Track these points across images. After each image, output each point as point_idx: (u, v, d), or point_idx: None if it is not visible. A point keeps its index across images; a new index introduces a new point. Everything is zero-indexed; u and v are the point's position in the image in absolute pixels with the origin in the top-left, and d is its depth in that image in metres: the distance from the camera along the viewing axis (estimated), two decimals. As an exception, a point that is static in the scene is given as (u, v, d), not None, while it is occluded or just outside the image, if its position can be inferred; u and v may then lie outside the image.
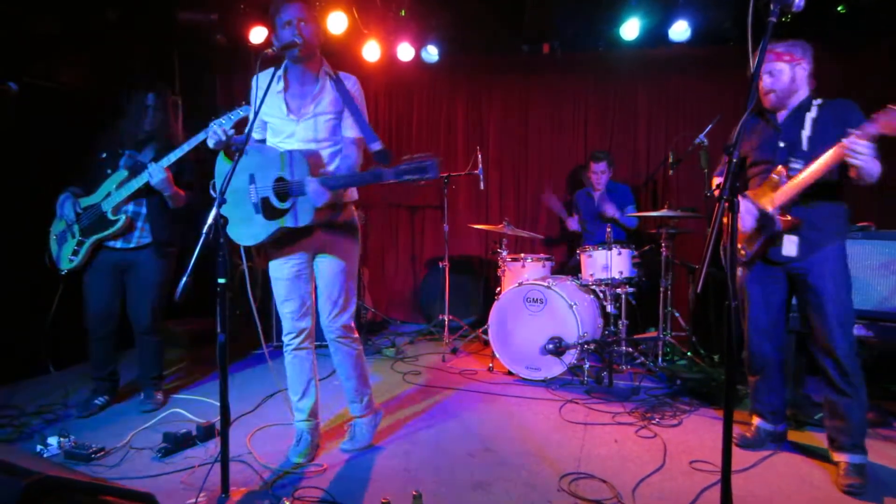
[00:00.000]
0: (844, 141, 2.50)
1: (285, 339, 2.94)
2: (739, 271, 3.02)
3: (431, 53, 5.47)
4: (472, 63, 5.99)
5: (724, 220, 1.89)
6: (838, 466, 2.74)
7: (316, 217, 2.59)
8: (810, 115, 2.79)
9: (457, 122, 6.10)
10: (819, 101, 2.82)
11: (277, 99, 2.74)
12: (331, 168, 2.76)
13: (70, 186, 3.50)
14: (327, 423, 3.37)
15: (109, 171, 3.43)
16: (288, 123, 2.74)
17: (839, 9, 4.55)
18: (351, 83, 2.78)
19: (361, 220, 3.67)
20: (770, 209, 2.79)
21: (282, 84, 2.74)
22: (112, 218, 3.40)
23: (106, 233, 3.41)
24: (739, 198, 2.90)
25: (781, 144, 2.84)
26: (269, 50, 2.44)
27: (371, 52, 5.37)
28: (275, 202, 2.64)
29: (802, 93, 2.86)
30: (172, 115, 3.61)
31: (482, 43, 5.75)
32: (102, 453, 2.91)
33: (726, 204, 1.86)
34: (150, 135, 3.49)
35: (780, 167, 2.78)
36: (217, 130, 2.61)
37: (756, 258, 2.92)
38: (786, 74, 2.83)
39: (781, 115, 2.90)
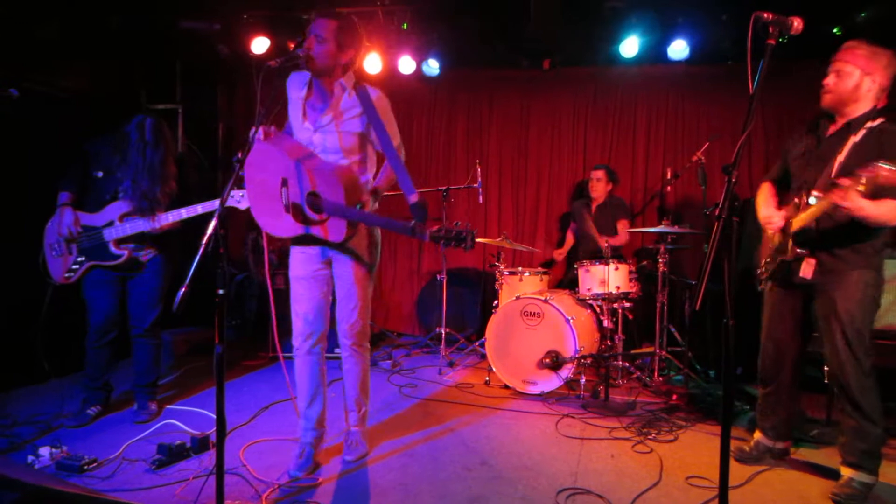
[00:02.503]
0: (833, 190, 2.44)
1: (296, 341, 2.95)
2: (762, 285, 3.01)
3: (432, 67, 5.50)
4: (473, 77, 6.02)
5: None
6: (841, 478, 2.74)
7: (347, 235, 2.63)
8: (854, 139, 2.61)
9: (457, 135, 6.12)
10: (874, 123, 2.62)
11: (297, 105, 2.82)
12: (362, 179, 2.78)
13: (64, 189, 3.45)
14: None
15: (109, 197, 3.43)
16: (304, 131, 2.80)
17: (835, 30, 4.59)
18: (376, 98, 2.79)
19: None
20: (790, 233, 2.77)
21: (305, 91, 2.80)
22: (115, 252, 3.42)
23: (106, 263, 3.44)
24: (775, 208, 2.86)
25: (814, 160, 2.75)
26: (274, 61, 2.45)
27: (372, 64, 5.39)
28: (308, 212, 2.65)
29: (863, 106, 2.65)
30: (167, 146, 3.50)
31: (483, 57, 5.78)
32: (95, 464, 2.88)
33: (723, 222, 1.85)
34: (145, 169, 3.41)
35: (803, 194, 2.72)
36: None
37: (777, 275, 2.91)
38: (852, 80, 2.62)
39: (832, 128, 2.75)
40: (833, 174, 2.63)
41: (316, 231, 2.67)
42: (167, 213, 3.38)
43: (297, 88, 2.84)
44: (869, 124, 2.63)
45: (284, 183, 2.65)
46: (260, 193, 2.79)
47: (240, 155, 2.30)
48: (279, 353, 2.97)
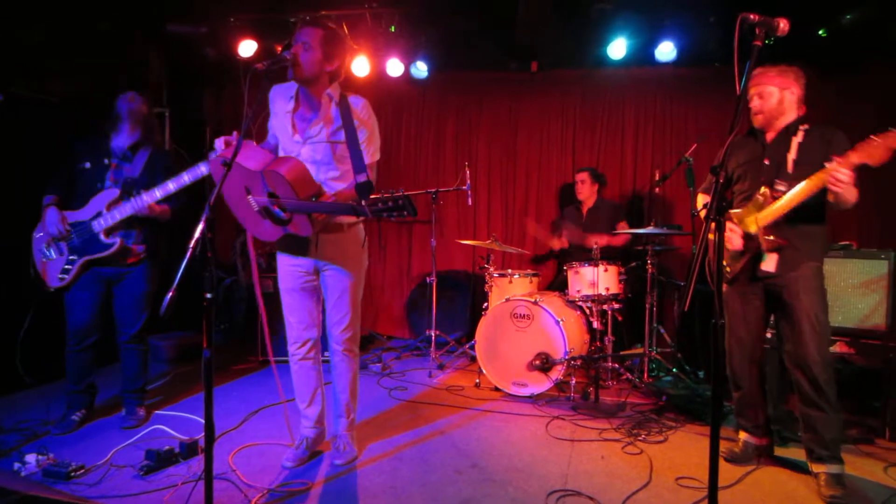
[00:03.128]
0: (828, 167, 2.59)
1: (291, 348, 3.00)
2: (724, 288, 3.07)
3: (421, 69, 5.51)
4: (461, 79, 6.02)
5: (711, 236, 1.91)
6: (818, 478, 2.80)
7: (315, 229, 2.65)
8: (796, 140, 2.88)
9: (446, 137, 6.12)
10: (806, 126, 2.90)
11: (286, 119, 2.80)
12: (328, 188, 2.78)
13: (50, 192, 3.42)
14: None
15: (99, 186, 3.40)
16: (294, 144, 2.79)
17: (820, 32, 4.64)
18: (360, 107, 2.79)
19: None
20: (754, 230, 2.87)
21: (292, 104, 2.79)
22: (105, 241, 3.37)
23: (98, 255, 3.38)
24: (726, 220, 2.96)
25: (766, 162, 2.93)
26: (261, 64, 2.44)
27: (360, 67, 5.39)
28: (276, 212, 2.67)
29: (790, 116, 2.93)
30: (154, 121, 3.61)
31: (471, 60, 5.79)
32: (82, 471, 2.85)
33: (713, 223, 1.87)
34: (138, 134, 3.49)
35: (765, 189, 2.87)
36: None
37: (740, 276, 2.99)
38: (774, 97, 2.91)
39: (770, 136, 2.98)
40: (790, 169, 2.85)
41: (291, 229, 2.67)
42: (153, 189, 3.32)
43: (282, 101, 2.82)
44: (802, 127, 2.90)
45: (248, 191, 2.68)
46: (237, 205, 2.81)
47: (229, 160, 2.28)
48: (270, 357, 2.96)
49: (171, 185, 3.31)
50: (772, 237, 2.83)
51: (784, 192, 2.80)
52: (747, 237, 2.91)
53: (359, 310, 3.01)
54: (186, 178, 3.28)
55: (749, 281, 2.97)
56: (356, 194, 2.61)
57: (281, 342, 3.08)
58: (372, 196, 2.35)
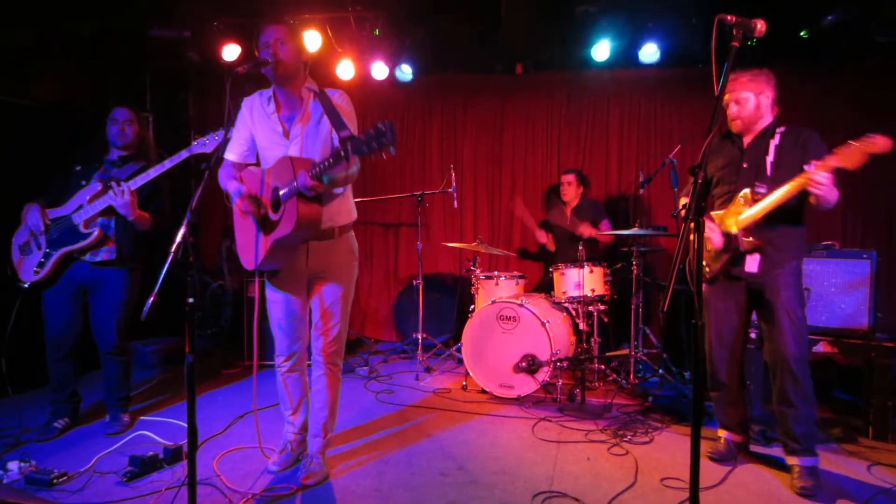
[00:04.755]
0: (806, 170, 2.66)
1: (277, 360, 2.95)
2: (703, 288, 3.12)
3: (406, 72, 5.51)
4: (446, 82, 6.03)
5: (691, 237, 1.93)
6: (792, 470, 2.87)
7: (297, 223, 2.49)
8: (774, 142, 2.94)
9: (431, 140, 6.12)
10: (782, 128, 2.96)
11: (272, 120, 2.74)
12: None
13: (37, 199, 3.43)
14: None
15: (84, 183, 3.40)
16: (282, 143, 2.72)
17: (802, 33, 4.68)
18: (337, 96, 2.74)
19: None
20: (734, 231, 2.92)
21: (273, 105, 2.74)
22: (84, 231, 3.35)
23: (76, 245, 3.34)
24: (705, 220, 3.02)
25: (745, 166, 2.98)
26: (242, 67, 2.43)
27: (345, 70, 5.38)
28: (271, 215, 2.62)
29: (766, 119, 3.00)
30: (147, 136, 3.64)
31: (456, 62, 5.80)
32: (65, 478, 2.82)
33: (692, 224, 1.89)
34: (128, 153, 3.50)
35: (746, 191, 2.92)
36: None
37: (720, 275, 3.04)
38: (751, 102, 2.97)
39: (747, 139, 3.03)
40: (769, 172, 2.92)
41: (278, 232, 2.58)
42: (135, 178, 3.31)
43: (260, 107, 2.76)
44: (780, 129, 2.96)
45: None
46: (240, 229, 2.81)
47: (211, 163, 2.27)
48: (254, 363, 2.92)
49: (152, 172, 3.31)
50: (750, 238, 2.89)
51: (764, 195, 2.85)
52: (727, 237, 2.96)
53: (347, 322, 2.92)
54: (168, 164, 3.30)
55: (729, 280, 3.02)
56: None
57: (269, 346, 3.04)
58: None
